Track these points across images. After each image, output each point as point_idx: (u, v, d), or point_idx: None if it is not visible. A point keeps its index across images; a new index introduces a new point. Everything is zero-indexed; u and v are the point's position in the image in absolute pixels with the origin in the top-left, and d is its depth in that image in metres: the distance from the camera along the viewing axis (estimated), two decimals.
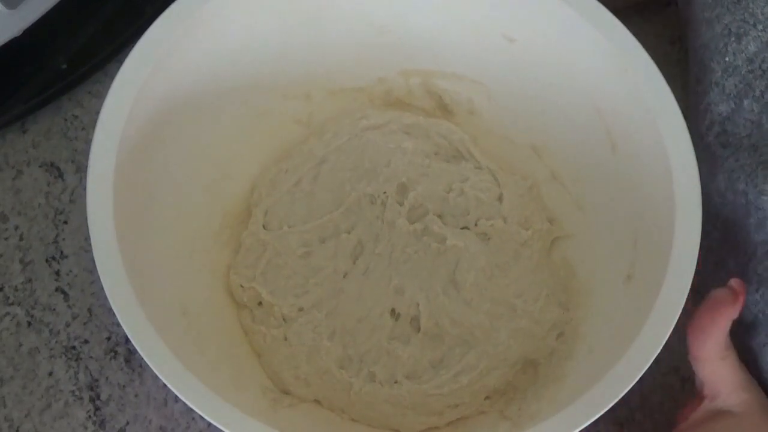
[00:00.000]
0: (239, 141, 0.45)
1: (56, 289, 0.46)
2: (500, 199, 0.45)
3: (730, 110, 0.42)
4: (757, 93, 0.41)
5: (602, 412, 0.34)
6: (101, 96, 0.43)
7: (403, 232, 0.44)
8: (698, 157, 0.39)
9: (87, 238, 0.40)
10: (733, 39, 0.42)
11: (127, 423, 0.43)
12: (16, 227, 0.47)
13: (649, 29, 0.52)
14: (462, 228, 0.45)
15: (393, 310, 0.43)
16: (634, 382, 0.34)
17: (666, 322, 0.35)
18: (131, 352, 0.44)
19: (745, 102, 0.41)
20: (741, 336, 0.42)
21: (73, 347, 0.44)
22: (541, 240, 0.45)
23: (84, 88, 0.50)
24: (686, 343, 0.38)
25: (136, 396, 0.43)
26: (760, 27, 0.41)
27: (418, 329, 0.42)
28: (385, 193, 0.45)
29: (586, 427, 0.34)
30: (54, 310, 0.45)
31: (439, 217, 0.45)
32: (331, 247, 0.44)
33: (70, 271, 0.46)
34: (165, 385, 0.33)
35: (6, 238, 0.47)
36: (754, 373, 0.39)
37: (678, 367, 0.45)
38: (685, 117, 0.39)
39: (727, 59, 0.42)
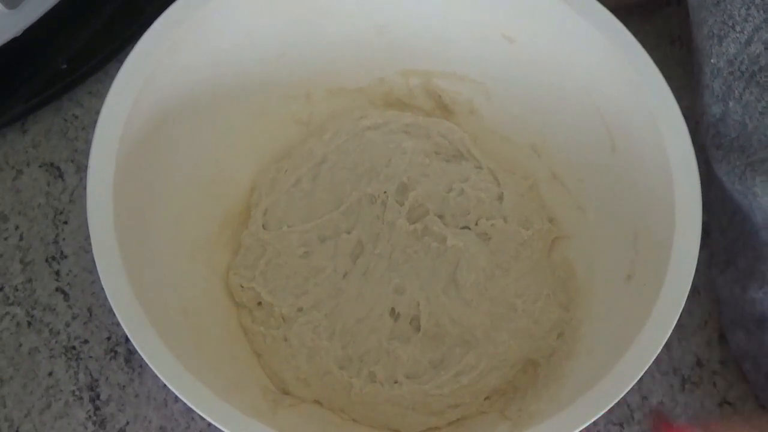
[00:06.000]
0: (239, 141, 0.45)
1: (56, 289, 0.46)
2: (500, 198, 0.45)
3: (720, 112, 0.42)
4: (737, 95, 0.41)
5: (602, 412, 0.34)
6: (101, 96, 0.43)
7: (403, 232, 0.44)
8: (706, 158, 0.39)
9: (87, 238, 0.40)
10: (715, 41, 0.42)
11: (127, 423, 0.43)
12: (16, 227, 0.47)
13: (649, 29, 0.52)
14: (462, 228, 0.45)
15: (393, 310, 0.42)
16: (634, 382, 0.34)
17: (666, 322, 0.35)
18: (131, 352, 0.44)
19: (730, 104, 0.41)
20: (752, 330, 0.42)
21: (73, 347, 0.44)
22: (541, 240, 0.45)
23: (84, 88, 0.50)
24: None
25: (136, 396, 0.43)
26: (738, 28, 0.41)
27: (418, 329, 0.42)
28: (385, 192, 0.45)
29: (586, 427, 0.34)
30: (54, 310, 0.45)
31: (440, 217, 0.45)
32: (330, 247, 0.44)
33: (70, 271, 0.46)
34: (165, 385, 0.33)
35: (6, 238, 0.47)
36: None
37: (678, 367, 0.45)
38: (689, 117, 0.39)
39: (712, 61, 0.42)
